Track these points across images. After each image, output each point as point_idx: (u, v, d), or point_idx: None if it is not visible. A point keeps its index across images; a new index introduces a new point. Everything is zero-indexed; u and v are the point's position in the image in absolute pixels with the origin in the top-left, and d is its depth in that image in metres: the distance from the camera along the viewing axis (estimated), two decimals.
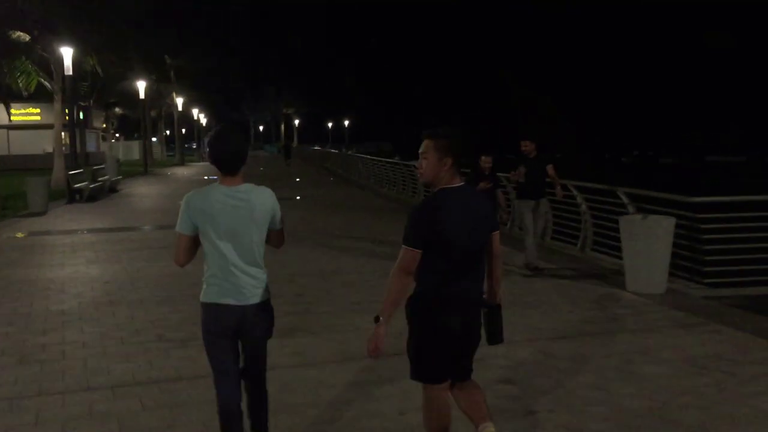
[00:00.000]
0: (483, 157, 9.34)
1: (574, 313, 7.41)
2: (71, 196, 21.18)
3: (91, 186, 22.09)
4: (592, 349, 6.11)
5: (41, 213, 18.27)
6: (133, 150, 65.42)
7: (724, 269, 8.59)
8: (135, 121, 62.53)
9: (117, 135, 74.27)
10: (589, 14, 73.64)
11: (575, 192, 11.14)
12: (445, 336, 3.42)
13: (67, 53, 23.01)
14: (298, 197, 21.79)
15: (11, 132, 43.64)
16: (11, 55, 21.85)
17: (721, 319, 7.07)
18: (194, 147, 79.97)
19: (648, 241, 8.26)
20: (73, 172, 21.95)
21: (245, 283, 3.47)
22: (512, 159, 10.01)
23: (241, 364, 3.62)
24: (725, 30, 61.17)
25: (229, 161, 3.48)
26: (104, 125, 63.24)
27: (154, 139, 63.89)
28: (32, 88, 24.73)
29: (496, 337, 3.65)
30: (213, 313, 3.48)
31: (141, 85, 38.72)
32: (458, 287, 3.40)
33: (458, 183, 3.44)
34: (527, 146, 9.56)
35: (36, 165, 38.88)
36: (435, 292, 3.40)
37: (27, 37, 23.85)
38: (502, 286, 3.69)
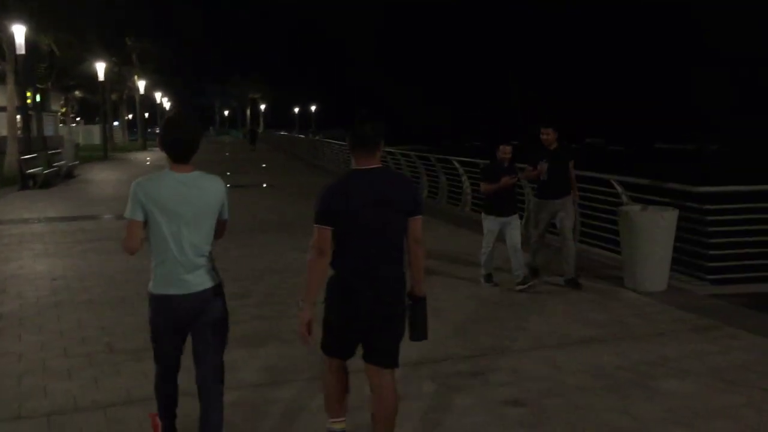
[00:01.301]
0: (501, 147, 7.70)
1: (573, 315, 6.73)
2: (24, 182, 19.96)
3: (46, 171, 20.89)
4: (602, 359, 5.42)
5: None
6: (93, 134, 63.37)
7: (728, 264, 7.98)
8: (96, 105, 60.54)
9: (78, 119, 72.01)
10: (539, 10, 73.94)
11: None
12: (347, 312, 3.45)
13: (18, 31, 21.68)
14: (264, 184, 20.83)
15: None
16: None
17: (734, 321, 6.44)
18: (157, 131, 77.99)
19: (649, 235, 7.62)
20: (26, 156, 20.72)
21: (194, 271, 3.41)
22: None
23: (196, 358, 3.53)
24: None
25: (181, 149, 3.42)
26: (64, 109, 61.19)
27: (116, 123, 62.08)
28: None
29: (417, 332, 3.56)
30: (162, 305, 3.42)
31: (100, 68, 37.18)
32: (363, 265, 3.41)
33: (373, 165, 3.46)
34: (549, 135, 7.89)
35: None
36: (340, 270, 3.45)
37: None
38: (424, 277, 3.58)
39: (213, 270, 3.51)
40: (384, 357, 3.52)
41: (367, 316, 3.42)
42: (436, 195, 15.91)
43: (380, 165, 3.51)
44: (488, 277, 7.96)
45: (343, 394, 3.75)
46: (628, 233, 7.82)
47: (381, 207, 3.39)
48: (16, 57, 23.10)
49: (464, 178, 14.31)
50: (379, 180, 3.44)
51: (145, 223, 3.37)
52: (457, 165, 14.53)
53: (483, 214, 8.00)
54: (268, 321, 6.51)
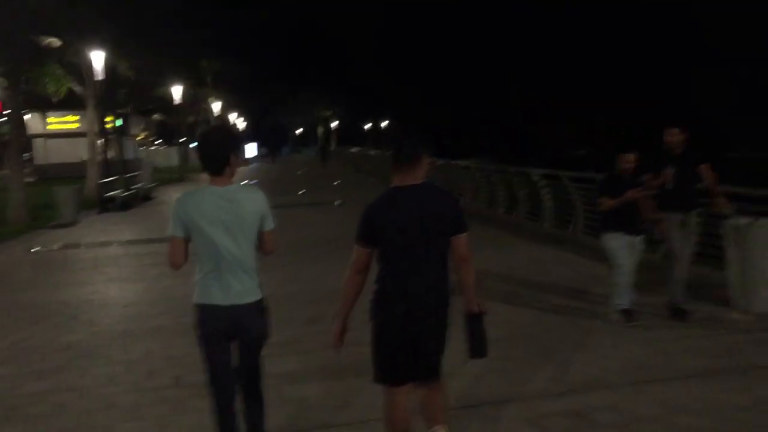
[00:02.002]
0: (623, 155, 6.56)
1: (678, 341, 6.04)
2: (102, 205, 20.32)
3: (124, 194, 21.23)
4: (721, 396, 4.75)
5: (71, 224, 17.37)
6: (172, 156, 64.93)
7: None
8: (174, 127, 62.20)
9: (158, 141, 74.10)
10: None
11: None
12: (390, 329, 3.45)
13: (98, 58, 22.22)
14: (337, 202, 20.59)
15: (48, 141, 43.40)
16: (39, 61, 21.08)
17: None
18: None
19: (764, 250, 6.85)
20: (104, 180, 21.12)
21: (236, 283, 3.48)
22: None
23: (236, 364, 3.63)
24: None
25: (210, 162, 3.54)
26: (145, 132, 62.96)
27: (195, 144, 63.52)
28: (62, 94, 23.99)
29: (475, 349, 3.51)
30: (205, 314, 3.50)
31: (176, 90, 38.02)
32: (403, 281, 3.40)
33: (413, 182, 3.43)
34: (675, 136, 6.71)
35: (74, 173, 38.40)
36: (381, 288, 3.46)
37: (58, 43, 23.09)
38: (476, 293, 3.51)
39: (256, 283, 3.56)
40: (430, 372, 3.53)
41: (406, 336, 3.43)
42: (513, 210, 15.22)
43: (421, 181, 3.45)
44: (627, 315, 6.59)
45: None
46: (737, 248, 7.06)
47: (418, 225, 3.36)
48: (96, 83, 23.66)
49: (574, 195, 12.08)
50: (418, 197, 3.40)
51: (190, 239, 3.50)
52: (567, 182, 12.44)
53: (604, 232, 6.82)
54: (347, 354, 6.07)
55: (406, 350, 3.45)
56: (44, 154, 43.51)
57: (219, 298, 3.47)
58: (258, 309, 3.55)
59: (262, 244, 3.60)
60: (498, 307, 7.14)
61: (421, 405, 3.61)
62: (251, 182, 32.55)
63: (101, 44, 22.42)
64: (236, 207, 3.48)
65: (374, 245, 3.41)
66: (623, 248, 6.62)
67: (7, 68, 18.37)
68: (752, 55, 56.84)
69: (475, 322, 3.48)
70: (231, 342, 3.56)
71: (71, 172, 39.64)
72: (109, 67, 24.35)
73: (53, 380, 5.59)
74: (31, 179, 40.49)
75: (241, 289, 3.47)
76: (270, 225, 3.61)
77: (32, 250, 12.98)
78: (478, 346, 3.49)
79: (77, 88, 25.60)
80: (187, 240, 3.51)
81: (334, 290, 7.90)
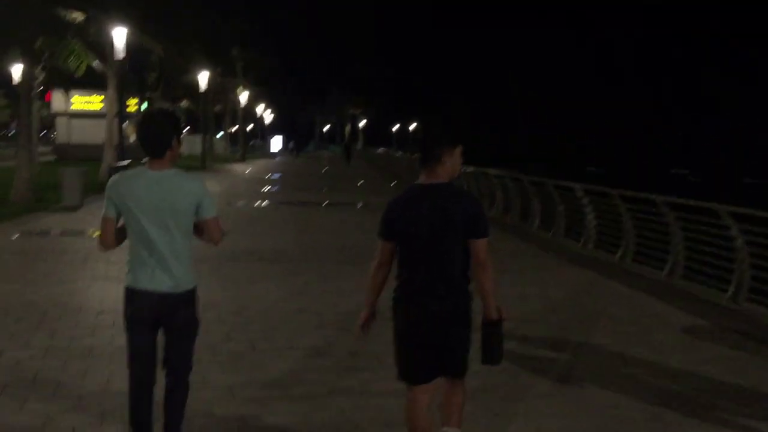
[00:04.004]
0: None
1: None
2: None
3: None
4: None
5: (75, 207, 16.29)
6: (197, 144, 64.19)
7: None
8: (204, 116, 61.37)
9: (187, 129, 73.25)
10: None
11: (729, 222, 8.26)
12: (407, 327, 3.47)
13: (120, 34, 21.13)
14: (360, 204, 19.35)
15: (73, 120, 42.58)
16: (59, 33, 20.06)
17: None
18: (259, 143, 78.63)
19: None
20: (117, 164, 20.05)
21: (163, 269, 3.45)
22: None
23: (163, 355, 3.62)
24: None
25: (152, 144, 3.48)
26: None
27: (220, 134, 62.61)
28: (81, 71, 22.98)
29: (487, 356, 3.46)
30: (131, 298, 3.52)
31: (203, 78, 37.06)
32: (417, 279, 3.42)
33: (434, 180, 3.44)
34: None
35: (94, 155, 37.50)
36: (398, 286, 3.50)
37: (81, 17, 22.08)
38: (494, 300, 3.42)
39: (186, 272, 3.52)
40: (452, 371, 3.51)
41: (423, 336, 3.43)
42: (550, 226, 13.82)
43: (445, 180, 3.44)
44: None
45: None
46: None
47: (434, 224, 3.36)
48: (117, 62, 22.61)
49: (626, 217, 10.38)
50: (436, 197, 3.40)
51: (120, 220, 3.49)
52: (618, 201, 10.69)
53: None
54: (349, 396, 4.82)
55: (423, 349, 3.44)
56: (67, 133, 42.70)
57: (146, 282, 3.46)
58: (186, 298, 3.52)
59: (202, 232, 3.56)
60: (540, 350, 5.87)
61: (441, 402, 3.63)
62: (274, 175, 31.33)
63: (125, 21, 21.35)
64: (168, 193, 3.43)
65: (393, 240, 3.48)
66: None
67: (21, 39, 17.38)
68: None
69: (491, 329, 3.43)
70: (157, 329, 3.56)
71: (92, 154, 38.70)
72: (134, 46, 23.36)
73: None
74: (50, 158, 39.92)
75: (167, 276, 3.45)
76: (210, 212, 3.54)
77: (13, 238, 11.83)
78: (490, 353, 3.45)
79: (100, 67, 24.62)
80: (119, 221, 3.51)
81: (349, 314, 6.72)
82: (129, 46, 21.77)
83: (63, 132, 42.95)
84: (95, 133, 41.74)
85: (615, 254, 10.85)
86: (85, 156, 38.32)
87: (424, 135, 3.51)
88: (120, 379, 5.12)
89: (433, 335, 3.41)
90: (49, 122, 55.08)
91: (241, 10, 46.74)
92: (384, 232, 3.51)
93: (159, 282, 3.44)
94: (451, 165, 3.43)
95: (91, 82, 29.98)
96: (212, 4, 37.96)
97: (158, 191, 3.41)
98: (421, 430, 3.52)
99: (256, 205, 18.85)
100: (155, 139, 3.45)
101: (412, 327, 3.44)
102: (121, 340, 6.03)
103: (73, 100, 41.06)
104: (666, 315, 7.51)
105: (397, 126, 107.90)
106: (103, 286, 8.24)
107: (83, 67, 22.72)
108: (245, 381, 5.13)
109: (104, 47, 23.48)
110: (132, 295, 3.50)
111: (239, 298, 7.73)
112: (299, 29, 76.42)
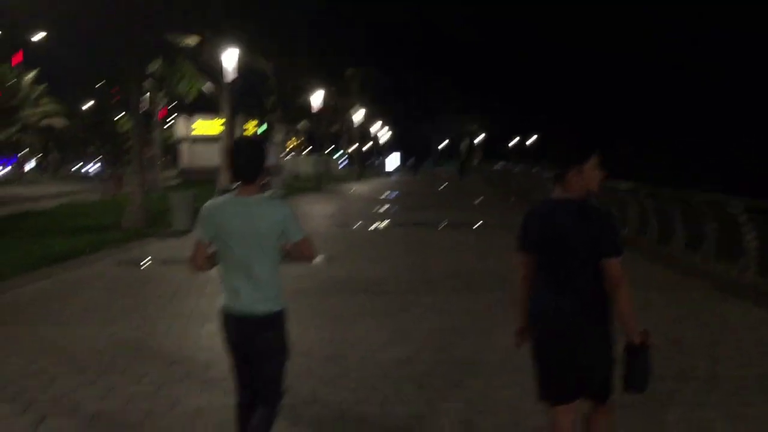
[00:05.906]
0: None
1: None
2: None
3: None
4: None
5: (185, 232, 15.98)
6: (314, 164, 64.97)
7: None
8: (321, 136, 62.03)
9: (308, 149, 74.25)
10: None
11: None
12: (542, 345, 3.40)
13: (230, 56, 21.00)
14: (476, 225, 17.96)
15: (195, 145, 43.79)
16: (170, 57, 20.20)
17: None
18: (377, 161, 78.73)
19: None
20: (226, 186, 19.80)
21: (249, 291, 3.54)
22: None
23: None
24: None
25: (242, 171, 3.59)
26: (295, 139, 63.04)
27: (339, 153, 62.96)
28: (193, 95, 23.13)
29: (630, 381, 3.31)
30: (223, 321, 3.66)
31: (316, 97, 37.00)
32: (548, 296, 3.37)
33: (565, 195, 3.37)
34: None
35: (214, 178, 38.22)
36: (532, 302, 3.47)
37: (194, 42, 22.20)
38: (635, 322, 3.26)
39: (272, 296, 3.58)
40: (594, 394, 3.38)
41: (549, 348, 3.36)
42: (696, 248, 11.98)
43: (577, 195, 3.33)
44: None
45: None
46: None
47: (560, 240, 3.30)
48: (228, 85, 22.52)
49: None
50: (564, 212, 3.32)
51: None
52: None
53: None
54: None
55: (559, 367, 3.34)
56: (189, 157, 43.95)
57: (232, 305, 3.59)
58: (270, 320, 3.57)
59: (293, 255, 3.64)
60: None
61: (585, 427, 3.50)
62: (391, 194, 30.38)
63: (237, 42, 21.19)
64: (253, 219, 3.54)
65: (531, 252, 3.46)
66: None
67: (128, 65, 17.39)
68: None
69: (634, 354, 3.25)
70: (246, 358, 3.64)
71: (214, 176, 39.52)
72: (246, 68, 23.26)
73: None
74: (175, 182, 41.11)
75: (250, 300, 3.53)
76: (297, 236, 3.62)
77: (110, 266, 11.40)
78: (633, 378, 3.27)
79: (211, 89, 24.74)
80: (210, 246, 3.61)
81: (464, 362, 5.54)
82: (241, 68, 21.64)
83: (185, 156, 44.24)
84: (215, 156, 42.79)
85: None
86: (207, 179, 39.12)
87: (559, 150, 3.44)
88: None
89: (570, 355, 3.30)
90: (174, 148, 57.34)
91: (358, 29, 46.83)
92: (521, 245, 3.53)
93: (243, 305, 3.55)
94: (585, 179, 3.30)
95: (211, 107, 30.47)
96: (327, 25, 37.94)
97: (245, 216, 3.53)
98: None
99: (367, 226, 17.93)
100: (247, 166, 3.56)
101: (548, 346, 3.39)
102: (191, 402, 5.12)
103: (194, 126, 42.17)
104: None
105: (516, 139, 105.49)
106: (184, 325, 7.44)
107: (194, 91, 22.82)
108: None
109: (216, 70, 23.56)
110: (223, 319, 3.67)
111: (334, 343, 6.68)
112: (416, 45, 76.27)
